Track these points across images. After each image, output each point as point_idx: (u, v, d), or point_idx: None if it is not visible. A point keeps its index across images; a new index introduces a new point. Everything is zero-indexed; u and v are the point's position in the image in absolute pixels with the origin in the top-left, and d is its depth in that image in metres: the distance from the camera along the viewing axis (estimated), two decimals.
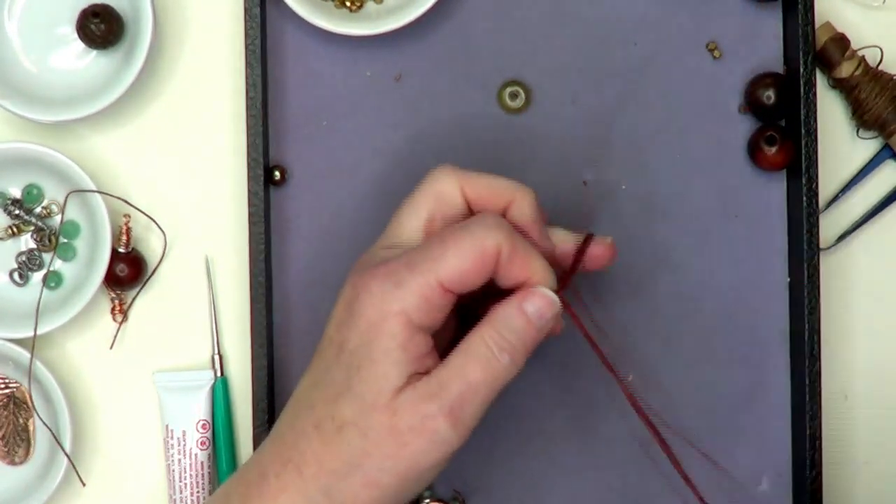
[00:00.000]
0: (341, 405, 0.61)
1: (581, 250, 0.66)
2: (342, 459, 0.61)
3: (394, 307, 0.61)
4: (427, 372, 0.62)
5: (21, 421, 0.77)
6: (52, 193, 0.77)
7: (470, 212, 0.65)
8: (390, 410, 0.60)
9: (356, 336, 0.61)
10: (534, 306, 0.63)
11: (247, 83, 0.74)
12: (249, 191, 0.74)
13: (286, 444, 0.62)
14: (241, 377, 0.77)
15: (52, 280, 0.77)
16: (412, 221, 0.65)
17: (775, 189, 0.76)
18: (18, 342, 0.75)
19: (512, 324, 0.62)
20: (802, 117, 0.74)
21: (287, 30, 0.77)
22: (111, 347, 0.78)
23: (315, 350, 0.64)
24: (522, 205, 0.65)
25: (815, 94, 0.74)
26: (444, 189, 0.65)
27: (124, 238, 0.76)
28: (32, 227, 0.77)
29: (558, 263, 0.66)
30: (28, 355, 0.75)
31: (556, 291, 0.63)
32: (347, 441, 0.61)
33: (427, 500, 0.75)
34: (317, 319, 0.76)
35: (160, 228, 0.77)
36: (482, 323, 0.62)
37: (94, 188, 0.75)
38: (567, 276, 0.66)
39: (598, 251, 0.67)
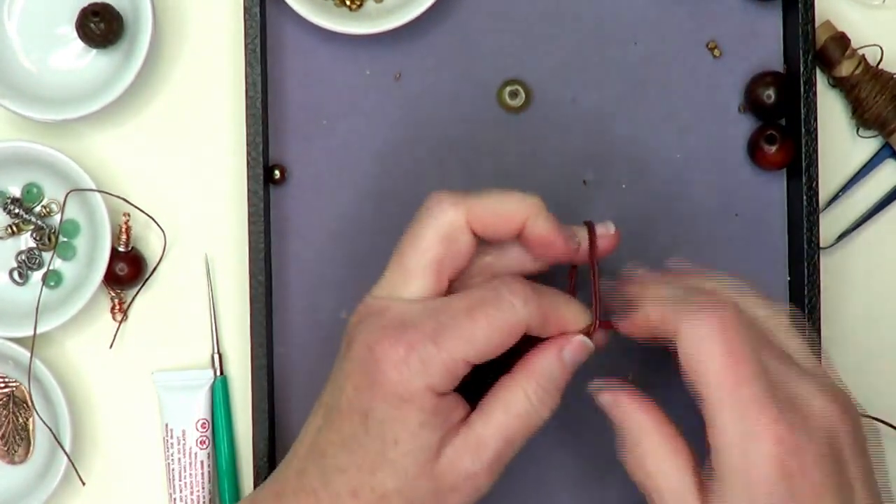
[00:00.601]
0: (380, 477, 0.61)
1: (593, 254, 0.65)
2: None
3: (421, 384, 0.60)
4: (463, 418, 0.62)
5: (21, 420, 0.77)
6: (52, 192, 0.77)
7: (477, 239, 0.64)
8: (433, 477, 0.61)
9: (384, 408, 0.60)
10: (571, 354, 0.63)
11: (246, 82, 0.74)
12: (249, 190, 0.74)
13: (321, 502, 0.62)
14: (241, 376, 0.77)
15: (52, 279, 0.77)
16: (420, 272, 0.63)
17: (775, 188, 0.76)
18: (18, 341, 0.75)
19: (552, 374, 0.63)
20: (802, 116, 0.74)
21: (287, 29, 0.77)
22: (111, 346, 0.78)
23: (327, 402, 0.63)
24: (537, 220, 0.63)
25: (815, 93, 0.74)
26: (450, 227, 0.63)
27: (124, 237, 0.76)
28: (32, 226, 0.77)
29: (576, 260, 0.66)
30: (28, 354, 0.74)
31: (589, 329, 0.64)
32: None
33: None
34: (316, 319, 0.76)
35: (160, 227, 0.77)
36: (521, 373, 0.62)
37: (93, 187, 0.74)
38: (595, 310, 0.65)
39: (604, 244, 0.66)
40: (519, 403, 0.62)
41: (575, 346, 0.63)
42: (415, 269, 0.63)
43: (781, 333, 0.63)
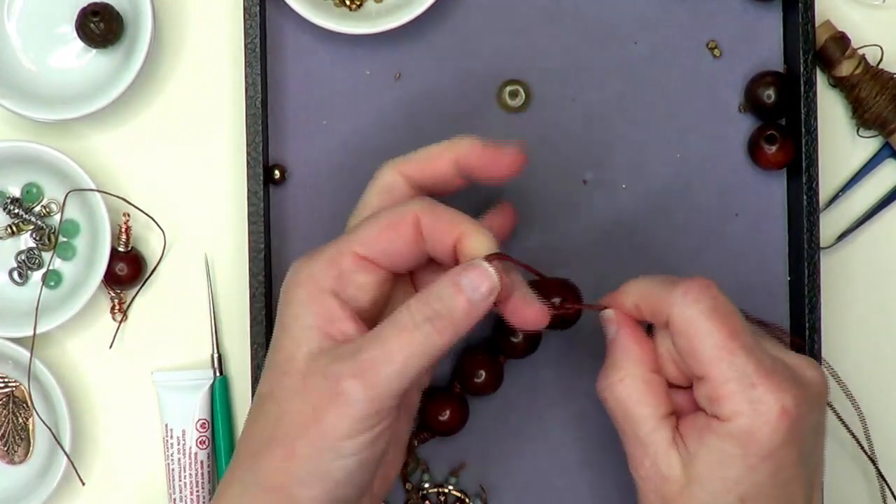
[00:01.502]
0: (262, 380, 0.62)
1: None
2: (261, 435, 0.60)
3: (302, 276, 0.61)
4: (346, 340, 0.61)
5: (20, 420, 0.77)
6: (52, 192, 0.77)
7: (414, 189, 0.66)
8: (300, 374, 0.60)
9: (287, 296, 0.62)
10: (468, 278, 0.60)
11: (246, 82, 0.74)
12: (249, 190, 0.74)
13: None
14: (241, 376, 0.77)
15: (52, 279, 0.77)
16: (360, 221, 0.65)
17: (775, 188, 0.76)
18: (18, 341, 0.75)
19: (441, 293, 0.60)
20: (802, 116, 0.73)
21: (286, 28, 0.76)
22: (111, 346, 0.78)
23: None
24: (472, 147, 0.65)
25: (815, 93, 0.74)
26: (386, 182, 0.65)
27: (124, 237, 0.76)
28: (32, 226, 0.77)
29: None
30: (27, 354, 0.74)
31: (497, 256, 0.60)
32: (265, 413, 0.60)
33: (450, 488, 0.75)
34: None
35: (160, 227, 0.77)
36: (413, 296, 0.61)
37: (93, 187, 0.74)
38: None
39: (499, 159, 0.65)
40: (399, 316, 0.60)
41: (471, 270, 0.60)
42: (354, 223, 0.65)
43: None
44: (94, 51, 0.77)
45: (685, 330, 0.61)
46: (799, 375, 0.62)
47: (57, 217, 0.77)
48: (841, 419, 0.74)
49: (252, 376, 0.74)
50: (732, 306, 0.62)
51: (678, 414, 0.64)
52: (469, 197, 0.77)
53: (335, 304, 0.61)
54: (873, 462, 0.76)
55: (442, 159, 0.65)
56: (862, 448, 0.75)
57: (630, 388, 0.63)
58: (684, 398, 0.64)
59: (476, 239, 0.61)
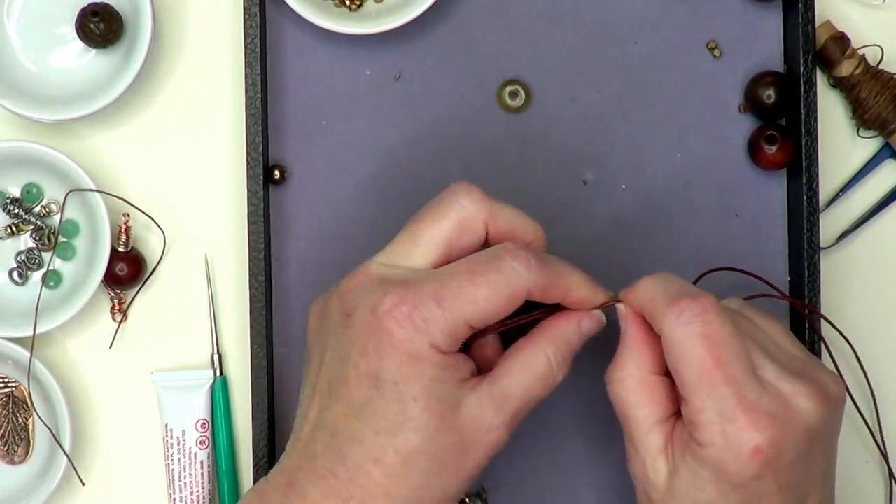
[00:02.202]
0: (402, 437, 0.60)
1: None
2: (412, 486, 0.61)
3: (425, 342, 0.60)
4: (473, 373, 0.63)
5: (20, 420, 0.77)
6: (52, 192, 0.77)
7: (484, 240, 0.65)
8: (455, 429, 0.61)
9: (394, 367, 0.60)
10: (588, 325, 0.65)
11: (246, 82, 0.74)
12: (249, 190, 0.74)
13: (340, 481, 0.61)
14: (241, 376, 0.77)
15: (52, 279, 0.77)
16: (430, 247, 0.63)
17: (775, 188, 0.76)
18: (18, 341, 0.75)
19: (570, 341, 0.65)
20: (803, 116, 0.73)
21: (286, 29, 0.77)
22: (111, 346, 0.78)
23: (327, 377, 0.63)
24: (539, 249, 0.66)
25: (815, 94, 0.74)
26: (470, 219, 0.64)
27: (124, 237, 0.76)
28: (32, 227, 0.77)
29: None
30: (27, 354, 0.74)
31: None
32: (417, 468, 0.61)
33: None
34: None
35: (159, 227, 0.77)
36: (542, 337, 0.64)
37: (93, 187, 0.74)
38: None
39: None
40: (540, 365, 0.63)
41: (593, 319, 0.65)
42: (425, 243, 0.63)
43: (776, 336, 0.65)
44: (94, 51, 0.77)
45: (672, 350, 0.61)
46: (789, 407, 0.60)
47: (57, 217, 0.77)
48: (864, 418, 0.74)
49: (252, 376, 0.74)
50: (728, 331, 0.61)
51: (679, 415, 0.63)
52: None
53: (461, 357, 0.63)
54: (885, 458, 0.76)
55: (527, 236, 0.65)
56: (878, 444, 0.75)
57: (629, 389, 0.64)
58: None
59: (587, 292, 0.65)
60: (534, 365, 0.63)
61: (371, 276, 0.63)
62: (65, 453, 0.75)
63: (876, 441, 0.76)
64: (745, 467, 0.59)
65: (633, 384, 0.64)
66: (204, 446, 0.76)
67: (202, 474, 0.76)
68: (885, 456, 0.76)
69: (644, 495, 0.64)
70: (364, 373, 0.61)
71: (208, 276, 0.78)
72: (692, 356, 0.60)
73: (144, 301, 0.78)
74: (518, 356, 0.63)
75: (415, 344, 0.60)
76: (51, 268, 0.77)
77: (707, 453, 0.60)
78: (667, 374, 0.63)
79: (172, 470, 0.76)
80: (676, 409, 0.63)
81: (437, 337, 0.60)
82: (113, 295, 0.78)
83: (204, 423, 0.77)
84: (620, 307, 0.65)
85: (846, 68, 0.77)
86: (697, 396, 0.60)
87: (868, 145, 0.78)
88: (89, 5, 0.75)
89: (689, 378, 0.60)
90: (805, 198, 0.73)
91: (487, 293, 0.61)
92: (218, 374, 0.77)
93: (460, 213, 0.64)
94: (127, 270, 0.76)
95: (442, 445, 0.61)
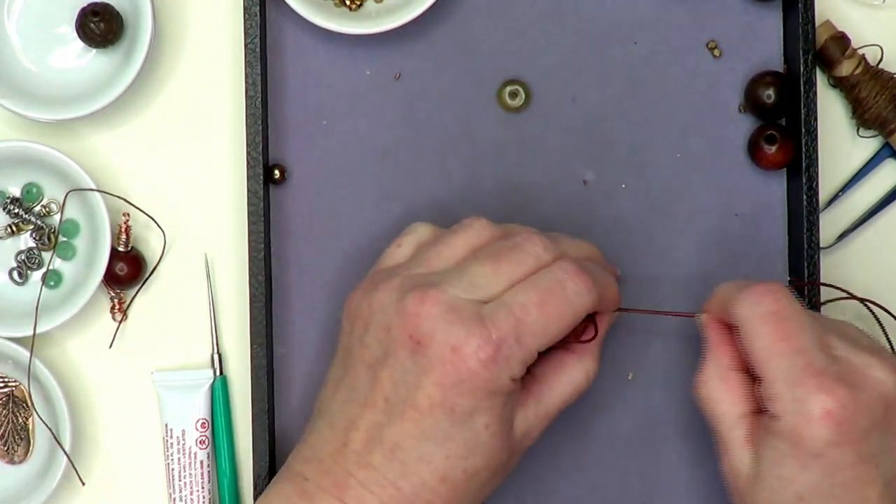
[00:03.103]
0: (472, 459, 0.64)
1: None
2: (472, 496, 0.66)
3: (507, 377, 0.63)
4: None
5: (20, 420, 0.77)
6: (52, 192, 0.77)
7: None
8: (511, 446, 0.66)
9: (471, 402, 0.63)
10: (603, 329, 0.70)
11: (246, 82, 0.74)
12: (249, 190, 0.74)
13: (404, 494, 0.64)
14: (241, 376, 0.77)
15: (52, 279, 0.77)
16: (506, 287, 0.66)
17: (775, 188, 0.76)
18: (18, 341, 0.75)
19: (598, 352, 0.70)
20: (802, 116, 0.73)
21: (287, 29, 0.77)
22: (111, 346, 0.78)
23: (388, 397, 0.64)
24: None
25: (815, 93, 0.74)
26: (545, 265, 0.66)
27: (124, 237, 0.76)
28: (32, 226, 0.77)
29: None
30: (27, 354, 0.74)
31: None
32: (479, 482, 0.65)
33: None
34: (316, 319, 0.76)
35: (160, 227, 0.77)
36: (586, 355, 0.69)
37: (93, 187, 0.74)
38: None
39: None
40: (581, 381, 0.69)
41: (604, 324, 0.71)
42: (506, 283, 0.66)
43: (845, 326, 0.68)
44: (94, 51, 0.77)
45: (745, 331, 0.64)
46: (861, 376, 0.63)
47: (57, 217, 0.77)
48: None
49: (252, 376, 0.74)
50: (796, 308, 0.64)
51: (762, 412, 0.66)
52: (469, 198, 0.77)
53: (518, 391, 0.66)
54: None
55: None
56: None
57: (711, 387, 0.67)
58: None
59: (616, 293, 0.70)
60: (576, 381, 0.69)
61: (441, 303, 0.64)
62: (65, 453, 0.75)
63: None
64: (818, 432, 0.61)
65: (715, 382, 0.67)
66: (204, 446, 0.76)
67: (202, 474, 0.76)
68: None
69: (736, 491, 0.66)
70: (438, 403, 0.63)
71: (208, 276, 0.78)
72: (762, 331, 0.64)
73: (144, 301, 0.78)
74: (561, 372, 0.68)
75: (497, 381, 0.63)
76: (51, 268, 0.77)
77: (781, 424, 0.62)
78: (747, 372, 0.66)
79: (172, 470, 0.76)
80: (759, 406, 0.65)
81: (516, 371, 0.64)
82: (113, 295, 0.78)
83: (204, 423, 0.77)
84: (700, 318, 0.68)
85: (846, 68, 0.77)
86: (769, 369, 0.63)
87: (868, 145, 0.78)
88: (89, 5, 0.75)
89: (760, 352, 0.64)
90: (805, 198, 0.73)
91: (559, 323, 0.64)
92: (218, 373, 0.77)
93: (539, 263, 0.66)
94: (127, 270, 0.76)
95: (500, 461, 0.65)
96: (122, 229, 0.76)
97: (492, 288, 0.65)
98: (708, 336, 0.68)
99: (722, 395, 0.66)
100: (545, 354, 0.67)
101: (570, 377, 0.68)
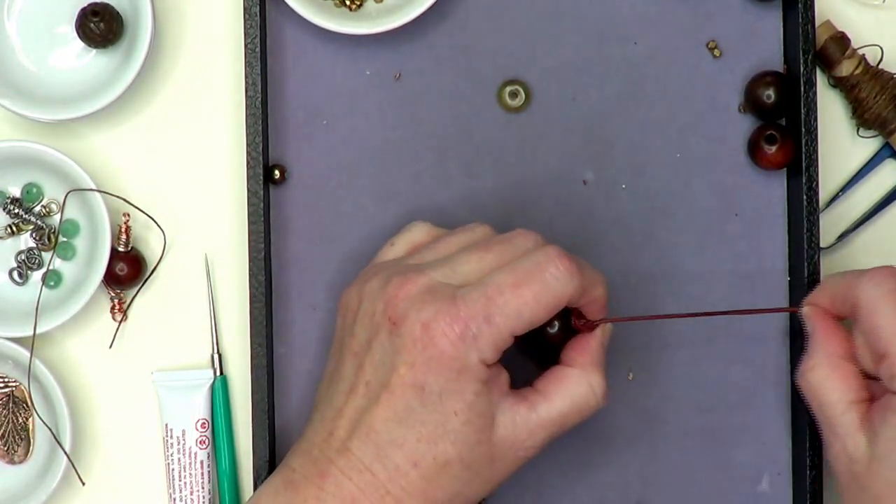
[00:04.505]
0: (442, 447, 0.64)
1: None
2: (448, 491, 0.65)
3: (475, 358, 0.63)
4: (508, 384, 0.66)
5: (20, 420, 0.77)
6: (52, 192, 0.77)
7: None
8: (490, 444, 0.65)
9: (440, 381, 0.63)
10: (607, 336, 0.69)
11: (246, 82, 0.74)
12: (249, 190, 0.74)
13: (379, 478, 0.64)
14: (241, 376, 0.77)
15: (52, 279, 0.77)
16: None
17: (775, 188, 0.76)
18: (18, 341, 0.75)
19: (603, 361, 0.68)
20: (802, 116, 0.73)
21: (286, 29, 0.77)
22: (111, 346, 0.78)
23: (368, 381, 0.65)
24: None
25: (815, 93, 0.74)
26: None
27: (124, 237, 0.76)
28: (32, 226, 0.77)
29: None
30: (27, 354, 0.74)
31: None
32: (453, 475, 0.64)
33: None
34: (316, 318, 0.76)
35: (160, 227, 0.77)
36: (587, 366, 0.67)
37: (93, 187, 0.74)
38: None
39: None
40: (582, 395, 0.67)
41: (606, 333, 0.69)
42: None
43: None
44: (94, 51, 0.77)
45: (868, 309, 0.65)
46: None
47: (57, 217, 0.77)
48: None
49: (252, 376, 0.74)
50: None
51: (872, 401, 0.66)
52: (469, 198, 0.77)
53: (501, 369, 0.66)
54: None
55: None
56: None
57: (819, 374, 0.67)
58: (879, 388, 0.66)
59: (605, 291, 0.69)
60: (576, 394, 0.67)
61: (420, 285, 0.64)
62: (65, 453, 0.75)
63: None
64: None
65: (824, 370, 0.67)
66: (204, 446, 0.76)
67: (202, 474, 0.76)
68: None
69: (846, 476, 0.66)
70: (409, 383, 0.63)
71: (208, 276, 0.78)
72: (887, 309, 0.64)
73: (144, 301, 0.78)
74: (561, 385, 0.67)
75: (464, 361, 0.63)
76: (51, 268, 0.77)
77: None
78: (854, 362, 0.66)
79: (172, 470, 0.76)
80: (868, 394, 0.66)
81: (486, 352, 0.63)
82: (113, 295, 0.78)
83: (204, 423, 0.77)
84: (804, 311, 0.69)
85: (846, 68, 0.77)
86: (895, 345, 0.64)
87: (868, 145, 0.78)
88: (89, 5, 0.75)
89: (886, 329, 0.64)
90: (805, 198, 0.73)
91: (534, 306, 0.64)
92: (218, 373, 0.77)
93: (526, 252, 0.66)
94: (127, 270, 0.76)
95: (475, 457, 0.64)
96: (122, 229, 0.76)
97: (474, 274, 0.65)
98: (814, 327, 0.68)
99: (833, 382, 0.66)
100: (548, 368, 0.68)
101: (570, 390, 0.67)
